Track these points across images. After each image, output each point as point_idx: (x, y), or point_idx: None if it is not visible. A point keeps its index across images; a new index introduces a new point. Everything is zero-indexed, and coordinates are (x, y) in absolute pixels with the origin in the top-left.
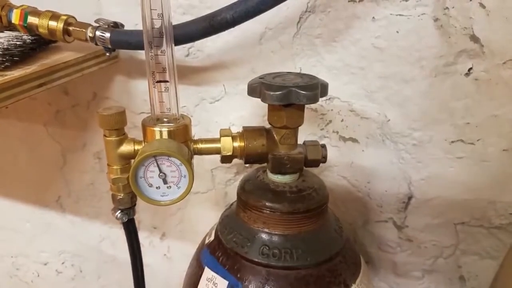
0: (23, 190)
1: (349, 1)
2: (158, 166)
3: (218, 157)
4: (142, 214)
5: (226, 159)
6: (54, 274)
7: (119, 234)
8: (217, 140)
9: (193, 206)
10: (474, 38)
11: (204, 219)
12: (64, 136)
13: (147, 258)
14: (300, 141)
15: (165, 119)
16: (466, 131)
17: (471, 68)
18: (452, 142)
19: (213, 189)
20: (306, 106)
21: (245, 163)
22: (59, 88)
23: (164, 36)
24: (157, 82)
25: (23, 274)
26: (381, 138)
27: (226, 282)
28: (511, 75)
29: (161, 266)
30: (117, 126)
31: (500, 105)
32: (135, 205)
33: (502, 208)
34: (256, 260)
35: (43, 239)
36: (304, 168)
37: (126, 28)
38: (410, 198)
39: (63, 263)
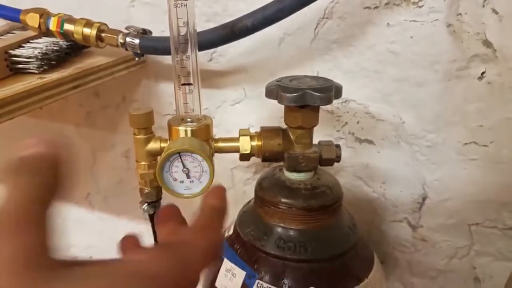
0: None
1: (364, 8)
2: (182, 161)
3: (238, 156)
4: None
5: (244, 157)
6: None
7: (145, 230)
8: (236, 139)
9: None
10: (487, 43)
11: None
12: (94, 136)
13: None
14: (315, 141)
15: (188, 119)
16: (479, 133)
17: (484, 72)
18: (466, 144)
19: (232, 188)
20: (322, 107)
21: (262, 161)
22: (90, 90)
23: (189, 43)
24: (182, 84)
25: None
26: (396, 139)
27: (244, 273)
28: None
29: None
30: (145, 125)
31: None
32: (160, 198)
33: None
34: (272, 252)
35: (72, 234)
36: (319, 167)
37: (153, 34)
38: (424, 198)
39: (90, 257)
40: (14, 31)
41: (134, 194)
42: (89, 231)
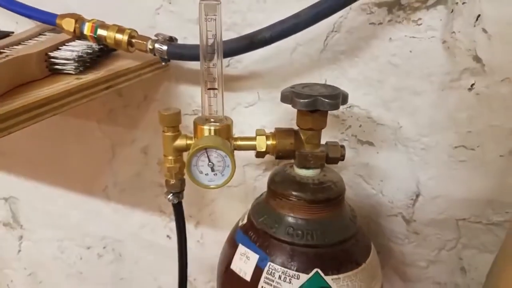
0: (73, 180)
1: (370, 24)
2: (208, 157)
3: (249, 154)
4: None
5: (260, 155)
6: (96, 257)
7: (158, 222)
8: (253, 138)
9: (225, 198)
10: (477, 58)
11: (234, 210)
12: (115, 132)
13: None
14: (323, 141)
15: (212, 120)
16: (467, 138)
17: (473, 84)
18: (456, 147)
19: (243, 184)
20: (329, 112)
21: (276, 158)
22: (114, 90)
23: (216, 52)
24: (208, 89)
25: (66, 256)
26: (393, 142)
27: (257, 256)
28: (508, 91)
29: (195, 251)
30: (173, 124)
31: (498, 116)
32: (183, 190)
33: (499, 207)
34: (282, 238)
35: (88, 225)
36: (325, 164)
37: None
38: (418, 195)
39: (104, 247)
40: (45, 33)
41: (150, 188)
42: (104, 222)
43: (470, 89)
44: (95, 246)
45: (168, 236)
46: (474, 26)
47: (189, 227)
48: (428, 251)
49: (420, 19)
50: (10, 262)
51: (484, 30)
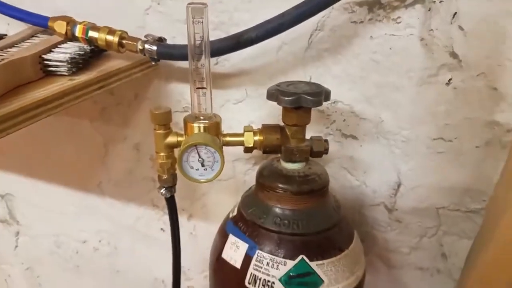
0: (68, 177)
1: (351, 22)
2: (198, 153)
3: (239, 150)
4: None
5: (248, 150)
6: (92, 251)
7: (152, 215)
8: (241, 135)
9: (216, 192)
10: (454, 54)
11: (225, 203)
12: (107, 130)
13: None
14: (308, 136)
15: (201, 117)
16: (445, 130)
17: (450, 79)
18: (434, 139)
19: (233, 178)
20: (313, 108)
21: (263, 153)
22: (106, 89)
23: (204, 53)
24: (197, 88)
25: (63, 251)
26: (376, 135)
27: (247, 245)
28: (484, 85)
29: (188, 242)
30: (164, 122)
31: (474, 109)
32: (175, 184)
33: (476, 195)
34: (270, 228)
35: (83, 220)
36: (310, 158)
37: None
38: (399, 185)
39: (100, 241)
40: (38, 35)
41: (143, 183)
42: (99, 217)
43: (447, 84)
44: (91, 240)
45: (162, 229)
46: (451, 23)
47: (182, 220)
48: (410, 238)
49: (399, 17)
50: (8, 257)
51: (461, 27)
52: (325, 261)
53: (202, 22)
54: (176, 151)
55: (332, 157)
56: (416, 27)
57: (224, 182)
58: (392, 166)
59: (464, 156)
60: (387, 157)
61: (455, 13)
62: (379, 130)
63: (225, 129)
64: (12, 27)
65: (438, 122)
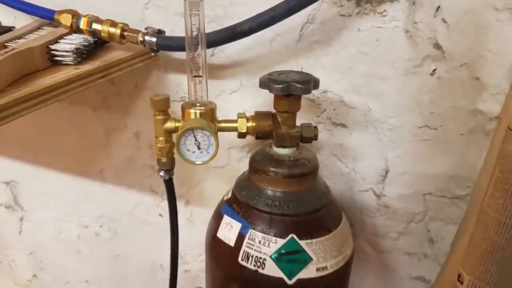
0: (70, 164)
1: (340, 16)
2: (194, 136)
3: (234, 138)
4: None
5: (241, 135)
6: (93, 236)
7: (150, 201)
8: (235, 121)
9: (212, 178)
10: (437, 46)
11: (220, 190)
12: (108, 119)
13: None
14: (299, 123)
15: (198, 104)
16: (430, 119)
17: (435, 69)
18: (420, 127)
19: (228, 165)
20: (305, 97)
21: (256, 138)
22: (108, 79)
23: (200, 44)
24: (194, 76)
25: (65, 236)
26: (364, 124)
27: (240, 225)
28: (467, 75)
29: (185, 227)
30: (163, 108)
31: (457, 98)
32: (173, 167)
33: (461, 181)
34: (262, 209)
35: (85, 206)
36: (301, 143)
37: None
38: (387, 172)
39: (101, 226)
40: (44, 27)
41: (143, 170)
42: (100, 202)
43: (432, 74)
44: (92, 225)
45: (160, 214)
46: (435, 16)
47: (180, 206)
48: (398, 223)
49: (385, 11)
50: (12, 242)
51: (444, 20)
52: (313, 240)
53: (199, 15)
54: (174, 136)
55: (323, 144)
56: (401, 20)
57: (220, 169)
58: (380, 154)
59: (449, 143)
60: (375, 145)
61: (438, 6)
62: (367, 118)
63: (221, 117)
64: (19, 20)
65: (423, 110)
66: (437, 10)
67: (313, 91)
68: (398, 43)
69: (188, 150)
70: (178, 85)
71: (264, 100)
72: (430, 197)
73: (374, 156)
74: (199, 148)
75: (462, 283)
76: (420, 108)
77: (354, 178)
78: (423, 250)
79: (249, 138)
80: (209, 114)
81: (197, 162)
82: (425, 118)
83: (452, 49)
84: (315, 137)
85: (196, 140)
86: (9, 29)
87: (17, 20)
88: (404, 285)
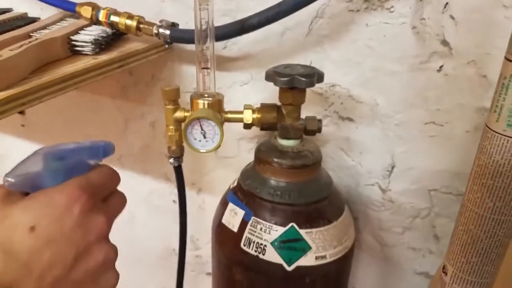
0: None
1: (349, 11)
2: (200, 126)
3: (244, 129)
4: (184, 173)
5: (247, 126)
6: None
7: (165, 188)
8: (241, 112)
9: (223, 168)
10: (445, 42)
11: (230, 179)
12: (127, 107)
13: (187, 208)
14: (304, 116)
15: (206, 95)
16: (437, 115)
17: (442, 66)
18: (426, 123)
19: (238, 155)
20: (312, 89)
21: (261, 129)
22: (126, 69)
23: (209, 37)
24: (202, 68)
25: None
26: (371, 118)
27: (243, 212)
28: (473, 72)
29: (197, 214)
30: (174, 98)
31: (464, 95)
32: (183, 155)
33: (466, 178)
34: (265, 198)
35: None
36: (305, 136)
37: (180, 26)
38: (393, 167)
39: None
40: (66, 19)
41: (159, 158)
42: (119, 188)
43: (438, 71)
44: None
45: (174, 201)
46: (443, 13)
47: (192, 194)
48: (403, 218)
49: (392, 6)
50: None
51: (452, 17)
52: (313, 230)
53: (208, 9)
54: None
55: (329, 138)
56: (408, 16)
57: (230, 159)
58: (386, 148)
59: (455, 140)
60: (381, 139)
61: (447, 3)
62: (375, 113)
63: (231, 108)
64: (45, 12)
65: (430, 107)
66: (445, 7)
67: (321, 85)
68: (405, 39)
69: (195, 139)
70: (192, 77)
71: (273, 93)
72: (436, 193)
73: (380, 150)
74: (204, 137)
75: (446, 274)
76: (426, 104)
77: (360, 172)
78: (428, 246)
79: (258, 130)
80: (216, 104)
81: (201, 150)
82: (431, 115)
83: (459, 46)
84: (319, 130)
85: (202, 129)
86: (34, 20)
87: (43, 11)
88: (408, 280)
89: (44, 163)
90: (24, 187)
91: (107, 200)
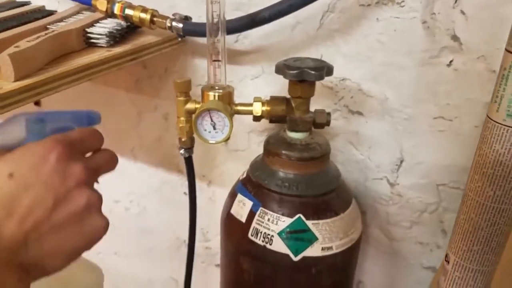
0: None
1: (360, 5)
2: (210, 117)
3: (255, 122)
4: (195, 165)
5: (256, 119)
6: (123, 210)
7: (176, 180)
8: (250, 104)
9: (233, 160)
10: (455, 38)
11: (240, 171)
12: (140, 100)
13: (197, 200)
14: (313, 110)
15: (216, 87)
16: (446, 110)
17: (452, 61)
18: (435, 118)
19: (248, 148)
20: (322, 83)
21: (270, 122)
22: (139, 62)
23: (220, 29)
24: (213, 61)
25: None
26: (381, 112)
27: (251, 203)
28: (483, 67)
29: (207, 206)
30: (185, 90)
31: (473, 91)
32: (193, 146)
33: None
34: (273, 189)
35: (116, 182)
36: (314, 129)
37: (192, 19)
38: (401, 161)
39: (131, 201)
40: (82, 12)
41: (171, 150)
42: (130, 179)
43: (448, 65)
44: (123, 200)
45: (185, 193)
46: (453, 8)
47: (203, 186)
48: (411, 213)
49: (403, 1)
50: None
51: (462, 12)
52: (320, 221)
53: (219, 2)
54: None
55: (339, 131)
56: (419, 11)
57: (241, 152)
58: (395, 143)
59: (464, 135)
60: (390, 134)
61: None
62: (384, 107)
63: (239, 101)
64: (62, 4)
65: (439, 101)
66: (456, 2)
67: (331, 79)
68: (415, 33)
69: (205, 130)
70: (204, 70)
71: (284, 87)
72: (444, 188)
73: (389, 145)
74: (214, 128)
75: (448, 262)
76: (436, 99)
77: (368, 166)
78: (435, 241)
79: (268, 123)
80: (227, 97)
81: (211, 141)
82: (441, 109)
83: (469, 41)
84: (328, 123)
85: (212, 121)
86: (51, 12)
87: (60, 4)
88: (415, 274)
89: (25, 125)
90: (6, 148)
91: (92, 156)
